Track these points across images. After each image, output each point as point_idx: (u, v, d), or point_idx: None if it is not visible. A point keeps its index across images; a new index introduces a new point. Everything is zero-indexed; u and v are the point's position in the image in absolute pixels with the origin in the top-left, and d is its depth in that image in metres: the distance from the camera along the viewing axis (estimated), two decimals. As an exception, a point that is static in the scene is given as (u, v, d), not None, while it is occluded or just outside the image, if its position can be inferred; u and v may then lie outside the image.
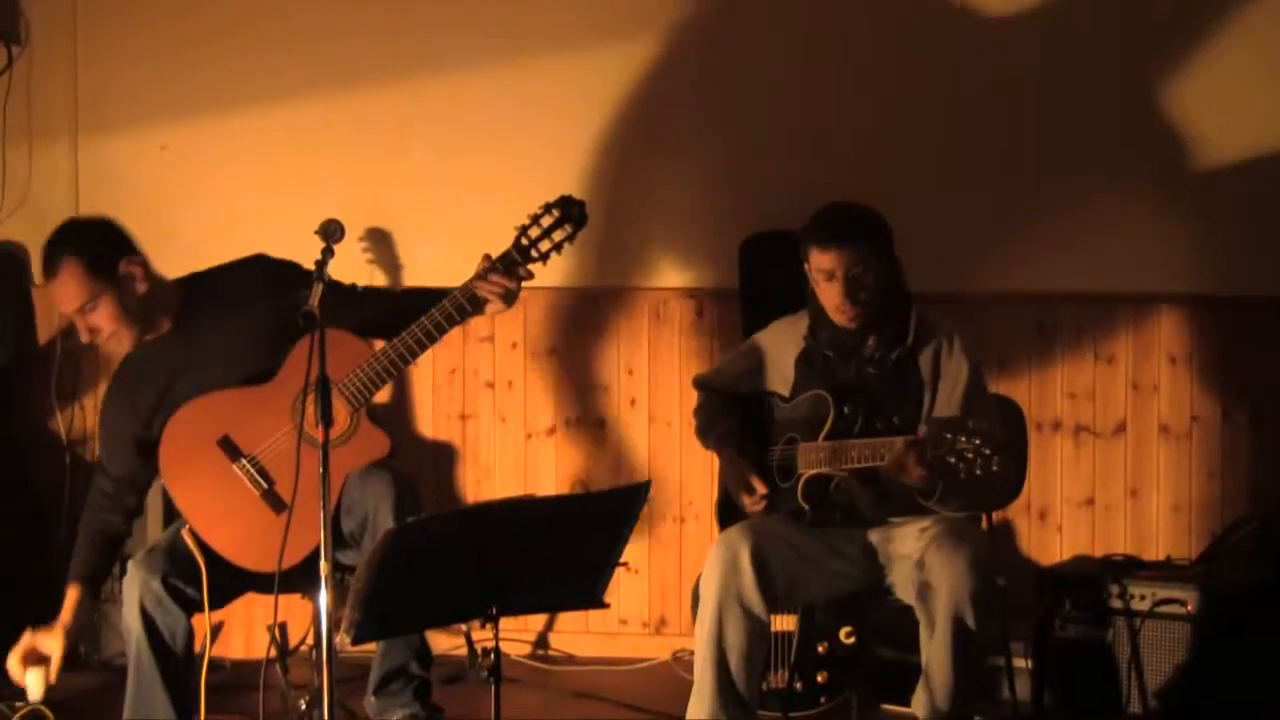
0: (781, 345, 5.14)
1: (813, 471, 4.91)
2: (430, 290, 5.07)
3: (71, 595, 4.97)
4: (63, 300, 4.91)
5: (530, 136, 6.48)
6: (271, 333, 4.93)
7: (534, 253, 4.87)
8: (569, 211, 4.87)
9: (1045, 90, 6.29)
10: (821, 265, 4.89)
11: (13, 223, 6.64)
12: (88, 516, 5.06)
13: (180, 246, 6.47)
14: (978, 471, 4.46)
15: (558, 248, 4.89)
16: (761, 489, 4.97)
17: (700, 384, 5.34)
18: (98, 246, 4.91)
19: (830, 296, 4.92)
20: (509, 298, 4.90)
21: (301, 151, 6.57)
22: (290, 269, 5.05)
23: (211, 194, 6.59)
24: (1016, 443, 5.24)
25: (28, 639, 4.86)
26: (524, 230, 4.87)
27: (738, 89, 6.43)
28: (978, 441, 4.46)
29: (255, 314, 4.98)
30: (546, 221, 4.87)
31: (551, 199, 4.89)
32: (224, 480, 4.87)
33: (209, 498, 4.88)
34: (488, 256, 4.89)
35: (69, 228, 5.02)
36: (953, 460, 4.50)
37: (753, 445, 5.10)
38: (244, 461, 4.87)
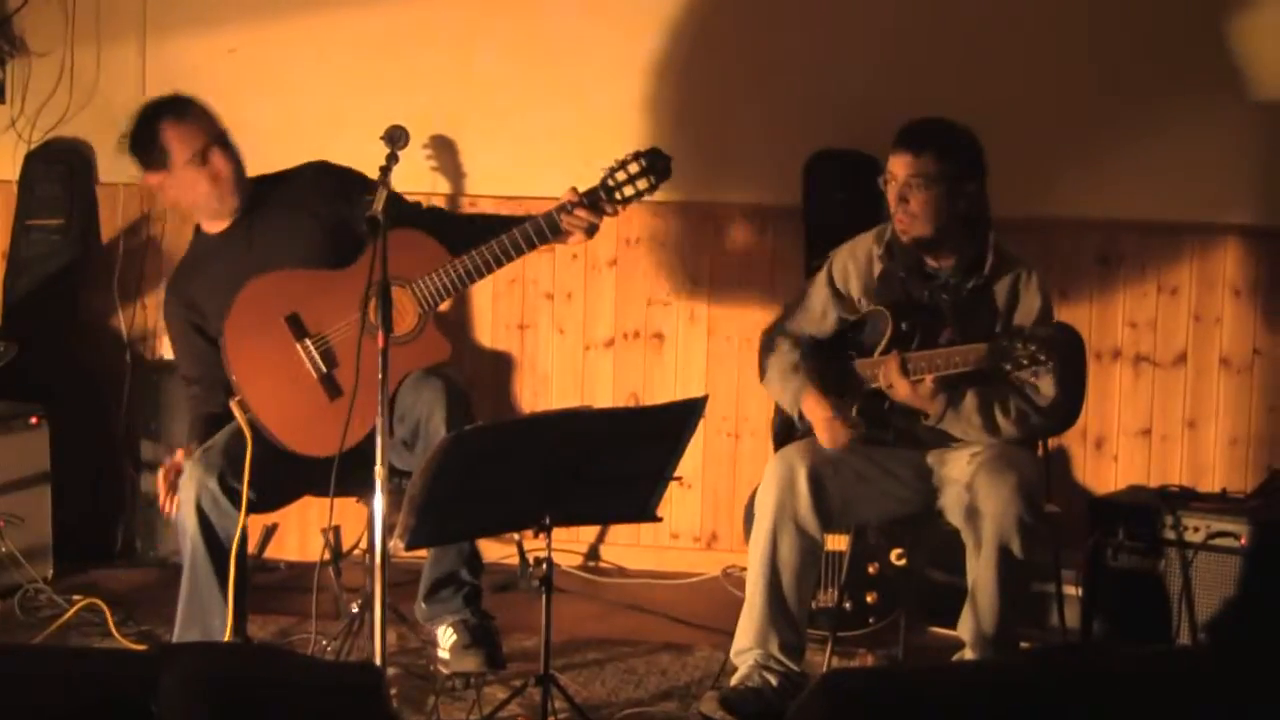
0: (854, 271, 5.07)
1: (867, 387, 4.91)
2: (492, 216, 5.30)
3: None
4: (193, 136, 5.03)
5: (597, 46, 6.45)
6: (331, 236, 5.01)
7: (618, 195, 4.96)
8: (655, 164, 4.98)
9: (1115, 15, 6.21)
10: (890, 167, 4.91)
11: (79, 121, 6.66)
12: (193, 408, 5.17)
13: (245, 150, 6.52)
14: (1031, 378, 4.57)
15: (639, 195, 4.99)
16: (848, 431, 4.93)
17: (776, 335, 5.17)
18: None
19: (890, 199, 4.93)
20: (591, 231, 5.00)
21: (368, 57, 6.56)
22: (352, 175, 5.11)
23: (278, 98, 6.58)
24: (1076, 369, 5.21)
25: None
26: (611, 173, 4.96)
27: (807, 2, 6.38)
28: (1034, 347, 4.53)
29: (317, 217, 5.06)
30: (633, 169, 4.97)
31: (643, 148, 4.99)
32: (284, 357, 4.93)
33: (267, 372, 4.93)
34: (574, 190, 4.96)
35: None
36: (1008, 367, 4.59)
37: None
38: (308, 341, 4.92)
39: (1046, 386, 4.79)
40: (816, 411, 4.92)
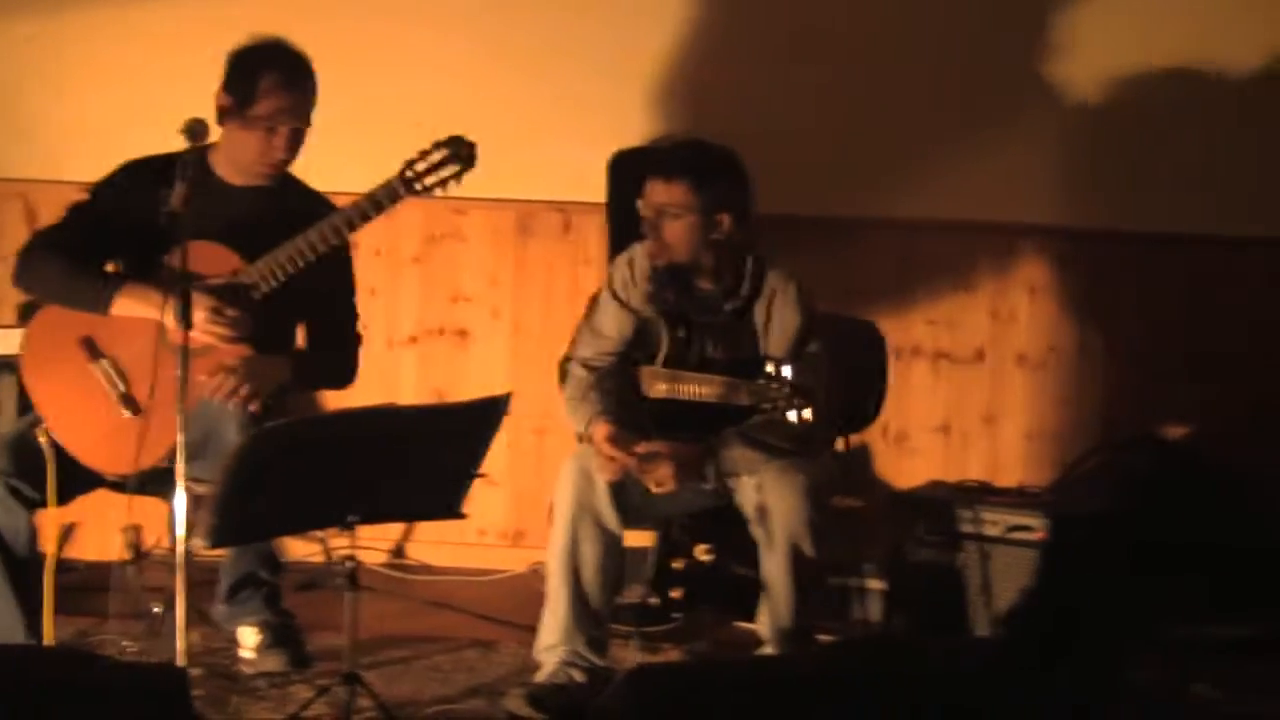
0: (631, 280, 5.05)
1: (656, 395, 4.92)
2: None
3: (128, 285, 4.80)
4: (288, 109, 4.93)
5: (397, 42, 6.40)
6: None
7: (418, 186, 4.84)
8: (458, 151, 4.86)
9: (910, 14, 6.29)
10: (646, 193, 4.88)
11: None
12: (53, 254, 4.88)
13: (37, 144, 6.38)
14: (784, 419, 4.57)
15: (443, 184, 4.86)
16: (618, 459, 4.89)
17: (567, 363, 5.19)
18: None
19: (652, 234, 4.90)
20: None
21: (171, 50, 6.44)
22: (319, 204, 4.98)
23: (76, 88, 6.44)
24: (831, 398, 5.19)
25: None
26: (410, 164, 4.84)
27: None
28: (788, 391, 4.52)
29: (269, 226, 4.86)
30: (435, 158, 4.84)
31: (441, 138, 4.87)
32: (81, 379, 4.80)
33: (65, 396, 4.81)
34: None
35: None
36: (767, 407, 4.60)
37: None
38: (103, 361, 4.80)
39: (805, 416, 4.78)
40: (598, 444, 4.88)
